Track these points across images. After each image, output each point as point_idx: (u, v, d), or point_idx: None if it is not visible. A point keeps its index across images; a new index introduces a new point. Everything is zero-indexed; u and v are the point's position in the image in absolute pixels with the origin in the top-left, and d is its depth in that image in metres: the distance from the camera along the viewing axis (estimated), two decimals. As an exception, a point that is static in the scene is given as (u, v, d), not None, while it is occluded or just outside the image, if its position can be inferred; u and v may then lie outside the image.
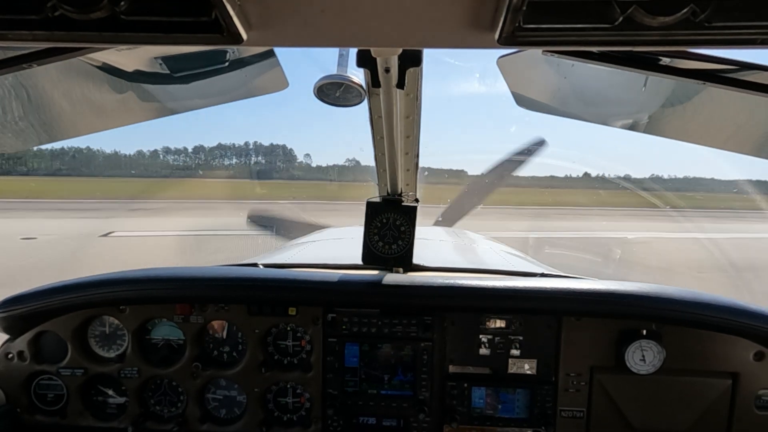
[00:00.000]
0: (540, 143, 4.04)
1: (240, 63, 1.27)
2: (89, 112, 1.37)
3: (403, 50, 0.86)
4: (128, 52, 1.13)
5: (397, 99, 1.08)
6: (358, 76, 1.16)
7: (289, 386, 1.66)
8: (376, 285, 1.56)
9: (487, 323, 1.59)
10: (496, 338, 1.59)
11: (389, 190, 1.55)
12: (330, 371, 1.61)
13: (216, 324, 1.67)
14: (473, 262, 2.57)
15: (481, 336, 1.59)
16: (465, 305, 1.57)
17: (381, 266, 1.72)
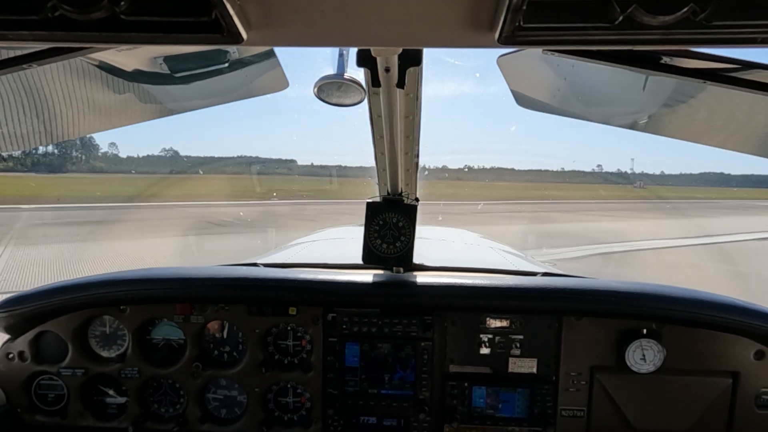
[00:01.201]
0: None
1: (240, 63, 1.27)
2: (89, 112, 1.37)
3: (403, 50, 0.86)
4: (128, 53, 1.13)
5: (397, 99, 1.08)
6: (358, 76, 1.15)
7: (289, 386, 1.66)
8: (376, 285, 1.56)
9: (488, 323, 1.59)
10: (497, 338, 1.59)
11: (389, 190, 1.55)
12: (330, 371, 1.61)
13: (213, 324, 1.66)
14: (473, 262, 2.57)
15: (481, 335, 1.59)
16: (465, 305, 1.57)
17: (381, 266, 1.72)
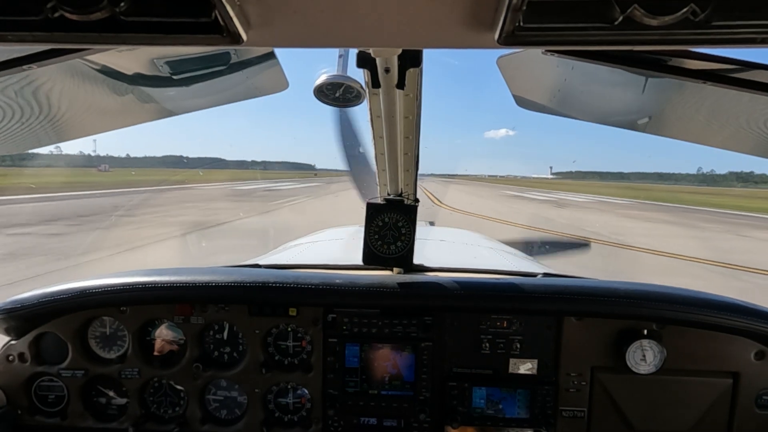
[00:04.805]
0: None
1: (240, 64, 1.27)
2: (89, 113, 1.37)
3: (403, 50, 0.86)
4: (128, 54, 1.13)
5: (396, 99, 1.08)
6: (357, 76, 1.15)
7: (289, 387, 1.66)
8: (376, 285, 1.56)
9: (488, 323, 1.59)
10: (497, 338, 1.58)
11: (389, 191, 1.56)
12: (330, 372, 1.61)
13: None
14: (474, 263, 2.56)
15: (481, 336, 1.59)
16: (465, 305, 1.57)
17: (381, 266, 1.72)
